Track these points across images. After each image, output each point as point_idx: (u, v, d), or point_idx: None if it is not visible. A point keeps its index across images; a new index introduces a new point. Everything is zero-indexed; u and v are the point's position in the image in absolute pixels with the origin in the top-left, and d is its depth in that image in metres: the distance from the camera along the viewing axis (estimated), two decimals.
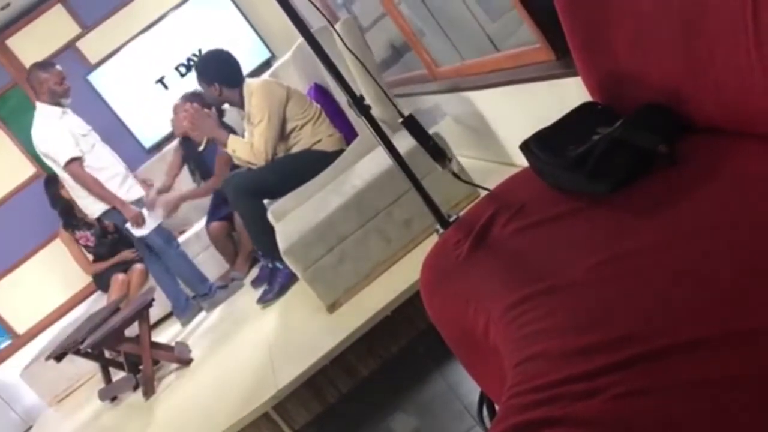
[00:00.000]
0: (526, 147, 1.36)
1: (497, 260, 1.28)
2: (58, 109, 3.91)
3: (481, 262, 1.32)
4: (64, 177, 3.94)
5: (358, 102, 1.74)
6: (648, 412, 0.73)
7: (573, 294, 1.01)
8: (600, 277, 1.00)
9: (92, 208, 4.00)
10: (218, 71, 3.31)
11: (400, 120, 1.75)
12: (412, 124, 1.76)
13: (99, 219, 4.13)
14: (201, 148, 4.32)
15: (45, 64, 3.98)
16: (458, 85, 2.87)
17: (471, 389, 2.13)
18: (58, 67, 4.01)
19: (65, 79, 3.97)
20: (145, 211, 4.06)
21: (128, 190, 4.04)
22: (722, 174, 1.03)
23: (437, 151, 1.76)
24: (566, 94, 1.92)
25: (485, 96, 2.66)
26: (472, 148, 3.23)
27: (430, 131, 3.38)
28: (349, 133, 3.40)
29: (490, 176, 2.70)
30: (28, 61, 5.37)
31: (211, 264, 4.52)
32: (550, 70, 1.93)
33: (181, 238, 4.67)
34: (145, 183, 4.47)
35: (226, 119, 4.31)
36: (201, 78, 3.38)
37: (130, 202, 3.99)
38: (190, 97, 4.11)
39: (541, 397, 0.86)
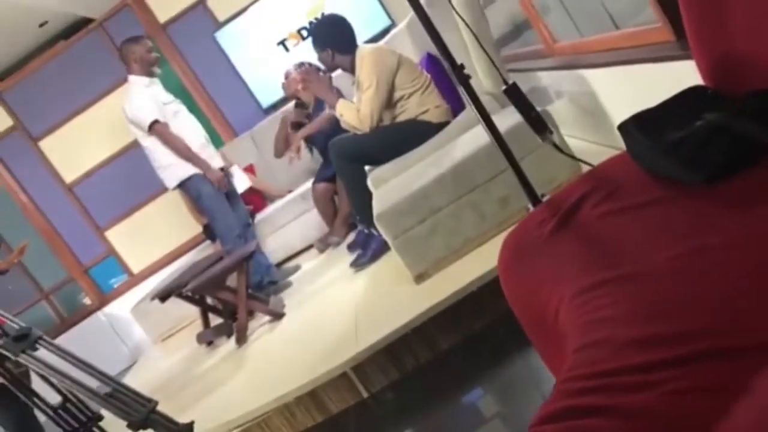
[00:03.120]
0: (623, 128, 1.30)
1: (578, 243, 1.23)
2: (146, 79, 4.07)
3: (562, 244, 1.27)
4: (148, 146, 4.07)
5: (457, 70, 1.71)
6: (704, 410, 0.68)
7: (646, 284, 0.95)
8: (677, 269, 0.94)
9: (171, 178, 4.08)
10: (331, 36, 3.35)
11: (504, 87, 1.71)
12: (515, 93, 1.71)
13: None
14: (310, 109, 4.44)
15: (134, 38, 4.13)
16: (574, 62, 2.77)
17: (551, 378, 2.08)
18: (146, 38, 4.19)
19: (152, 50, 4.12)
20: (237, 173, 4.21)
21: (210, 157, 4.13)
22: None
23: (538, 122, 1.70)
24: (683, 78, 1.80)
25: (600, 75, 2.54)
26: (584, 130, 3.12)
27: (542, 108, 3.31)
28: (458, 106, 3.36)
29: (596, 159, 2.58)
30: (161, 16, 5.66)
31: (311, 224, 4.63)
32: (668, 52, 1.82)
33: (286, 198, 4.81)
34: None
35: (338, 85, 4.36)
36: (315, 42, 3.44)
37: None
38: (302, 65, 4.25)
39: (594, 385, 0.82)
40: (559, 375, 0.93)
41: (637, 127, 1.26)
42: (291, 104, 4.77)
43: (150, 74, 4.08)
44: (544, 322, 1.23)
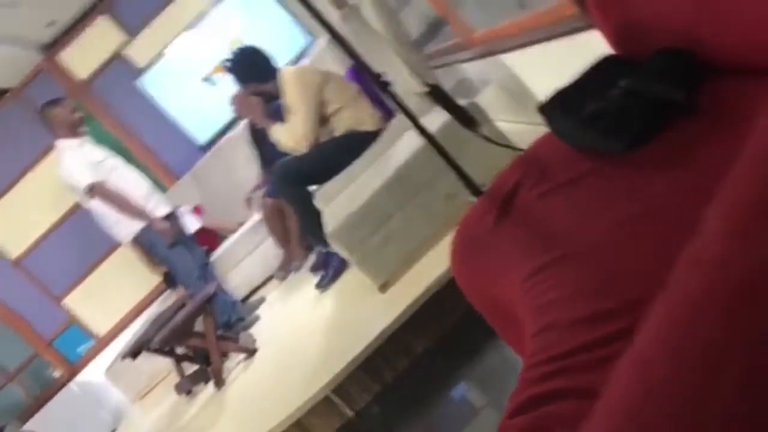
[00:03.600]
0: (543, 109, 1.32)
1: (520, 229, 1.24)
2: (74, 141, 4.00)
3: (506, 232, 1.28)
4: (91, 207, 4.02)
5: (375, 80, 1.72)
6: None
7: (586, 260, 0.97)
8: (613, 240, 0.96)
9: (122, 233, 4.05)
10: (248, 71, 3.37)
11: (425, 91, 1.72)
12: (438, 94, 1.73)
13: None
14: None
15: (53, 100, 4.06)
16: (492, 49, 2.80)
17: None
18: (67, 99, 4.12)
19: (76, 110, 4.06)
20: (186, 215, 4.15)
21: (156, 206, 4.10)
22: (745, 121, 0.97)
23: (466, 117, 1.72)
24: (596, 48, 1.84)
25: (518, 57, 2.58)
26: (515, 113, 3.16)
27: (475, 99, 3.34)
28: (390, 111, 3.38)
29: (531, 138, 2.63)
30: (80, 74, 5.56)
31: (270, 253, 4.59)
32: (575, 24, 1.86)
33: (239, 232, 4.77)
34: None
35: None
36: (236, 81, 3.44)
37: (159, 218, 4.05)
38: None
39: (554, 368, 0.83)
40: (523, 364, 0.94)
41: (556, 105, 1.28)
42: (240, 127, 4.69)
43: (77, 135, 4.00)
44: (504, 312, 1.24)
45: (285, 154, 3.55)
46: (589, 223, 1.05)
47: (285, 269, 4.39)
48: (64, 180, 3.93)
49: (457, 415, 2.34)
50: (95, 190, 3.89)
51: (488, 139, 1.73)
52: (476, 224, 1.40)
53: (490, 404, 2.26)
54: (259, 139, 4.38)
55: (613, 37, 1.35)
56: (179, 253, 4.05)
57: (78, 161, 3.91)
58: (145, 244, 4.06)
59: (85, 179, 3.88)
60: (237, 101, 3.39)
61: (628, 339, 0.77)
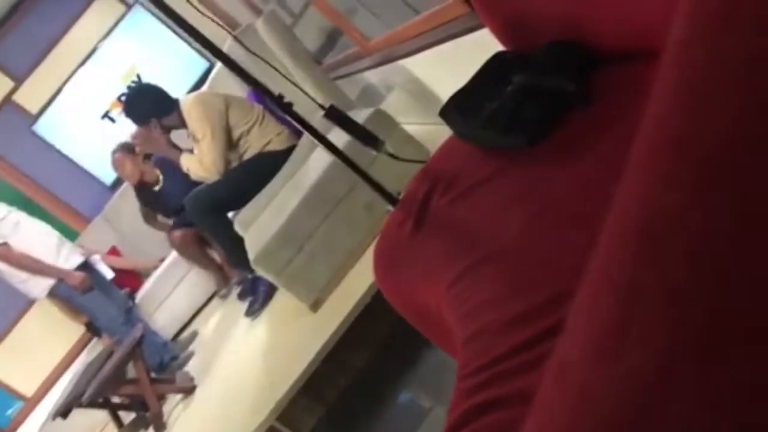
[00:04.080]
0: (443, 113, 1.32)
1: (437, 236, 1.24)
2: None
3: (424, 242, 1.28)
4: None
5: (277, 101, 1.69)
6: None
7: (506, 260, 0.97)
8: (527, 236, 0.97)
9: (36, 290, 3.91)
10: (146, 109, 3.27)
11: (322, 114, 1.70)
12: (335, 115, 1.71)
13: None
14: (157, 187, 4.21)
15: None
16: (390, 55, 2.82)
17: None
18: None
19: None
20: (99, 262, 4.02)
21: (67, 258, 3.95)
22: (634, 106, 0.99)
23: (367, 136, 1.72)
24: (492, 46, 1.87)
25: (417, 61, 2.60)
26: (422, 115, 3.18)
27: (380, 105, 3.35)
28: (294, 127, 3.34)
29: (441, 139, 2.65)
30: None
31: (195, 285, 4.47)
32: (466, 24, 1.88)
33: (161, 268, 4.62)
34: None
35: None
36: (136, 122, 3.34)
37: (72, 269, 3.91)
38: (123, 147, 4.06)
39: (488, 376, 0.82)
40: (457, 374, 0.94)
41: (454, 108, 1.29)
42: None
43: None
44: (434, 321, 1.23)
45: (181, 196, 3.51)
46: (502, 223, 1.05)
47: (224, 287, 4.27)
48: None
49: (406, 422, 2.33)
50: None
51: (393, 156, 1.72)
52: (394, 236, 1.39)
53: (437, 405, 2.26)
54: (148, 196, 4.27)
55: (501, 34, 1.37)
56: (99, 302, 3.90)
57: None
58: (61, 296, 3.90)
59: None
60: (138, 138, 3.29)
61: (550, 338, 0.77)
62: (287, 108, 1.68)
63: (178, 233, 4.17)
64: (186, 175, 3.84)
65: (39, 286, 3.86)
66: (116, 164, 4.13)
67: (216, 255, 4.20)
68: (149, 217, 4.39)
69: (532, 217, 0.98)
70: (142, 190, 4.25)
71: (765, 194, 0.34)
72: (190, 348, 4.05)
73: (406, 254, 1.31)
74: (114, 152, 4.13)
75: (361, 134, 1.66)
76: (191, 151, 3.30)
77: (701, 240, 0.36)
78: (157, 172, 4.18)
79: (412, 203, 1.40)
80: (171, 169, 4.15)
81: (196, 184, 3.70)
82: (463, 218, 1.17)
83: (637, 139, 0.47)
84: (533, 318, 0.83)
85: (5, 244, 3.74)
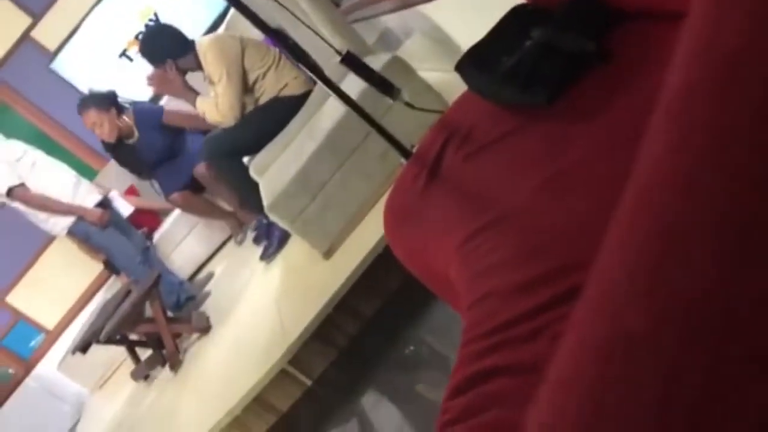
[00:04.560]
0: (459, 68, 1.28)
1: (450, 193, 1.22)
2: None
3: (437, 197, 1.26)
4: (17, 206, 3.88)
5: (292, 50, 1.66)
6: None
7: (517, 222, 0.96)
8: (542, 199, 0.95)
9: (56, 228, 3.94)
10: (162, 48, 3.23)
11: (339, 60, 1.67)
12: (352, 62, 1.68)
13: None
14: (132, 140, 4.02)
15: None
16: (407, 0, 2.74)
17: None
18: None
19: None
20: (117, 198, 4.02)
21: (84, 197, 3.96)
22: (653, 66, 0.96)
23: (384, 84, 1.68)
24: None
25: (438, 7, 2.53)
26: (441, 61, 3.12)
27: (398, 51, 3.29)
28: None
29: (460, 89, 2.61)
30: None
31: (212, 227, 4.50)
32: None
33: (177, 211, 4.64)
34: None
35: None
36: (152, 61, 3.30)
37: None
38: (95, 102, 3.89)
39: (491, 343, 0.82)
40: (462, 337, 0.93)
41: (472, 63, 1.25)
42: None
43: None
44: (441, 281, 1.23)
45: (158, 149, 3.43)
46: (516, 185, 1.03)
47: (239, 233, 4.27)
48: None
49: (417, 369, 2.36)
50: (15, 194, 3.74)
51: (409, 105, 1.69)
52: (406, 190, 1.38)
53: (450, 353, 2.28)
54: (124, 152, 4.09)
55: None
56: (116, 241, 3.94)
57: None
58: (79, 236, 3.95)
59: (3, 183, 3.72)
60: (154, 79, 3.26)
61: (558, 308, 0.76)
62: (300, 56, 1.64)
63: (176, 196, 4.07)
64: (163, 129, 3.79)
65: (58, 224, 3.91)
66: (91, 123, 3.87)
67: (224, 204, 4.19)
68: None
69: (546, 181, 0.96)
70: (118, 147, 4.04)
71: None
72: (206, 288, 4.11)
73: (417, 210, 1.29)
74: (84, 107, 3.86)
75: (378, 82, 1.63)
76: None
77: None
78: (131, 124, 3.98)
79: (426, 157, 1.38)
80: (147, 121, 4.00)
81: (176, 137, 3.67)
82: (477, 176, 1.15)
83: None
84: (541, 285, 0.82)
85: (22, 185, 3.77)
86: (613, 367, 0.36)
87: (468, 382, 0.80)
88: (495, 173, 1.11)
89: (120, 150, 4.06)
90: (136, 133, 3.97)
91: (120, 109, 3.93)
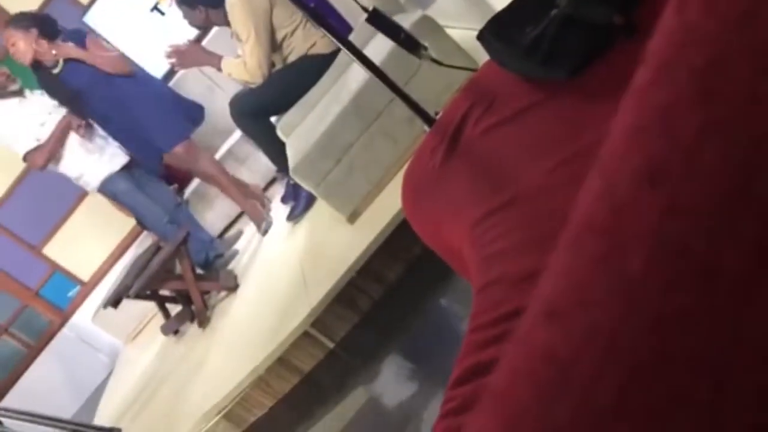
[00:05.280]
0: (482, 37, 1.23)
1: (466, 170, 1.18)
2: (11, 101, 3.78)
3: (453, 173, 1.22)
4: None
5: (312, 14, 1.62)
6: None
7: (529, 205, 0.92)
8: (560, 180, 0.91)
9: (88, 186, 3.99)
10: None
11: (365, 18, 1.63)
12: (378, 20, 1.63)
13: None
14: (56, 70, 3.76)
15: None
16: None
17: None
18: None
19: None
20: None
21: (110, 158, 3.97)
22: None
23: (410, 42, 1.64)
24: None
25: None
26: (474, 20, 3.03)
27: (428, 9, 3.20)
28: (343, 29, 3.24)
29: None
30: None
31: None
32: None
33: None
34: None
35: (214, 42, 4.10)
36: (184, 2, 3.26)
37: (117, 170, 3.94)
38: (14, 21, 3.65)
39: (497, 333, 0.79)
40: (468, 323, 0.91)
41: (494, 32, 1.20)
42: None
43: (8, 96, 3.78)
44: (459, 259, 1.20)
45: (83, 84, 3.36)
46: (533, 164, 0.99)
47: (265, 221, 3.97)
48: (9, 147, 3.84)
49: (439, 335, 2.36)
50: (30, 158, 3.82)
51: (436, 61, 1.64)
52: (425, 163, 1.34)
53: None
54: (47, 78, 3.79)
55: None
56: (143, 201, 3.97)
57: (17, 127, 3.75)
58: (108, 195, 4.01)
59: (21, 145, 3.76)
60: (174, 56, 3.22)
61: None
62: (320, 20, 1.60)
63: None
64: (94, 69, 3.64)
65: (89, 183, 3.96)
66: (7, 42, 3.63)
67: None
68: None
69: (562, 163, 0.92)
70: (39, 70, 3.78)
71: None
72: (235, 246, 4.14)
73: (434, 185, 1.26)
74: (5, 25, 3.66)
75: (403, 41, 1.58)
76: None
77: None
78: (54, 52, 3.66)
79: (446, 128, 1.34)
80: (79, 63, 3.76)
81: (108, 80, 3.59)
82: (494, 153, 1.11)
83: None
84: None
85: (39, 148, 3.80)
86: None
87: (471, 371, 0.78)
88: (511, 151, 1.07)
89: (41, 74, 3.82)
90: (61, 62, 3.71)
91: (48, 34, 3.64)
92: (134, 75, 3.86)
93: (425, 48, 1.66)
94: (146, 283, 3.38)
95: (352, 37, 3.05)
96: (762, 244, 0.23)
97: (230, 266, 3.91)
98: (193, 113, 4.02)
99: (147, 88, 3.90)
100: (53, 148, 3.81)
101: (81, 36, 3.78)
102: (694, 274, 0.24)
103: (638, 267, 0.24)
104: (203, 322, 3.50)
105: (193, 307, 3.68)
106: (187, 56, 3.24)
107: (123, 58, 3.71)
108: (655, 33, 0.33)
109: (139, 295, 3.68)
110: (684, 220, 0.24)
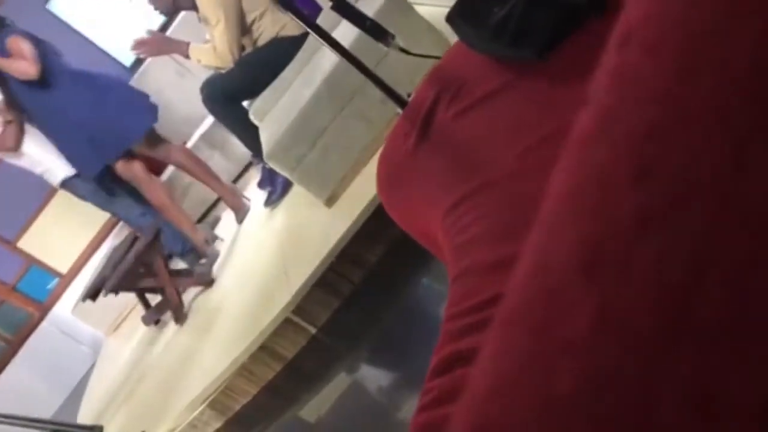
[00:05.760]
0: (450, 19, 1.21)
1: (438, 155, 1.17)
2: None
3: (426, 158, 1.21)
4: (12, 162, 3.92)
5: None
6: None
7: (502, 190, 0.91)
8: (528, 166, 0.90)
9: (55, 180, 3.95)
10: None
11: (330, 5, 1.60)
12: (343, 8, 1.61)
13: None
14: None
15: None
16: None
17: None
18: None
19: None
20: None
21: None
22: None
23: (376, 29, 1.61)
24: None
25: None
26: None
27: None
28: (313, 10, 3.19)
29: None
30: None
31: (219, 170, 4.42)
32: None
33: None
34: None
35: (182, 28, 4.02)
36: None
37: None
38: None
39: (472, 321, 0.79)
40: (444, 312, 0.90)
41: (462, 14, 1.18)
42: None
43: None
44: (434, 245, 1.19)
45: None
46: (504, 146, 0.98)
47: (242, 209, 3.89)
48: None
49: (421, 318, 2.36)
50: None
51: (404, 51, 1.62)
52: (397, 148, 1.33)
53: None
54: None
55: None
56: (110, 198, 3.90)
57: None
58: (74, 195, 3.98)
59: None
60: (139, 48, 3.16)
61: None
62: (288, 4, 1.57)
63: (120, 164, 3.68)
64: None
65: (54, 180, 3.96)
66: (140, 44, 3.47)
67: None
68: None
69: (531, 147, 0.91)
70: None
71: None
72: (214, 231, 4.11)
73: (408, 172, 1.25)
74: None
75: (370, 29, 1.56)
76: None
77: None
78: None
79: (417, 112, 1.32)
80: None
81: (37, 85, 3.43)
82: (464, 138, 1.10)
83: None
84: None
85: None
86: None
87: (448, 362, 0.77)
88: (481, 135, 1.06)
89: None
90: None
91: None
92: (64, 77, 3.58)
93: (393, 37, 1.64)
94: (121, 279, 3.34)
95: (320, 20, 3.01)
96: (701, 392, 0.19)
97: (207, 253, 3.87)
98: (150, 106, 3.83)
99: (92, 88, 3.62)
100: None
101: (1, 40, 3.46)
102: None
103: (566, 390, 0.21)
104: (180, 319, 3.47)
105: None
106: (151, 46, 3.18)
107: (33, 63, 3.36)
108: (598, 67, 0.30)
109: (116, 291, 3.64)
110: (615, 337, 0.20)
